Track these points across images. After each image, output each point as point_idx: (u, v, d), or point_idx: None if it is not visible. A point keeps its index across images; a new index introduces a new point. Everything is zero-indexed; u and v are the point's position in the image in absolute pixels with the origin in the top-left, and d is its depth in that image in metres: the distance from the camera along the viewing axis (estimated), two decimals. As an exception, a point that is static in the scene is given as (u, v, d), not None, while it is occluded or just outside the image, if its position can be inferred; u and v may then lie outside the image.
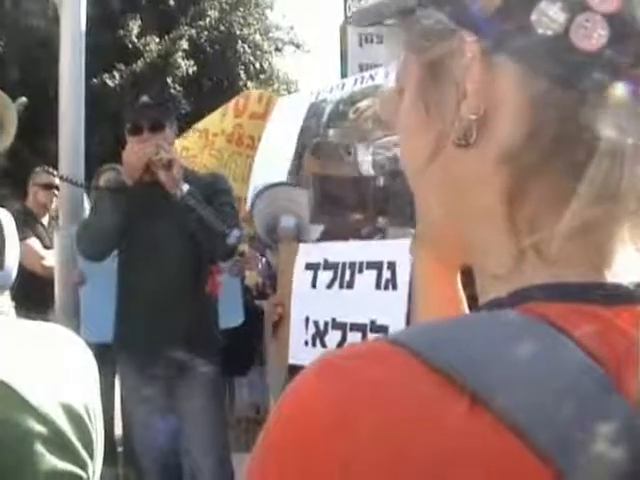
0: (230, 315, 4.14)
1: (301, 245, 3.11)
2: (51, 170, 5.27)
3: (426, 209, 0.73)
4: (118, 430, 4.99)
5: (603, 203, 0.59)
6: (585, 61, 0.59)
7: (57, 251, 4.44)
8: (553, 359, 0.54)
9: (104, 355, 4.16)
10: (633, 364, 0.54)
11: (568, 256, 0.61)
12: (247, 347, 4.10)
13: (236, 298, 4.29)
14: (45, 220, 5.48)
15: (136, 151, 3.63)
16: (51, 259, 4.88)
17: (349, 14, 10.35)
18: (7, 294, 4.38)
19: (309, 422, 0.55)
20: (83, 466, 0.93)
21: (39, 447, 0.86)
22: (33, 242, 5.07)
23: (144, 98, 4.04)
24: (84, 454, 0.93)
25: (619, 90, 0.59)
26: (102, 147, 9.51)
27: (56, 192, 5.34)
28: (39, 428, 0.86)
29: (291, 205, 3.58)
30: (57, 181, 5.32)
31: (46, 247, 5.14)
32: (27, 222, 4.99)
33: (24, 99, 3.25)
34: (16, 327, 0.98)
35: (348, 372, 0.56)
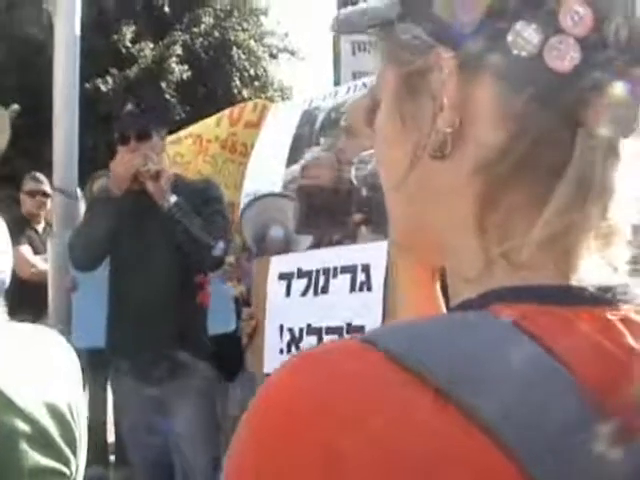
0: (221, 321, 4.15)
1: (273, 257, 3.12)
2: (37, 176, 5.27)
3: (400, 218, 0.74)
4: (111, 436, 5.00)
5: (573, 213, 0.61)
6: (559, 81, 0.61)
7: (50, 258, 4.44)
8: (517, 358, 0.56)
9: (96, 360, 4.19)
10: (592, 362, 0.57)
11: (536, 262, 0.62)
12: (237, 353, 4.10)
13: (227, 305, 4.30)
14: (41, 227, 5.49)
15: (124, 162, 3.65)
16: (41, 265, 4.88)
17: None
18: (0, 300, 4.39)
19: (288, 410, 0.56)
20: (66, 463, 0.96)
21: (23, 445, 0.89)
22: (24, 249, 5.07)
23: (129, 107, 4.01)
24: (67, 451, 0.95)
25: (593, 107, 0.61)
26: (95, 152, 9.52)
27: (44, 199, 5.35)
28: (23, 427, 0.89)
29: (280, 216, 3.59)
30: (45, 187, 5.33)
31: (39, 254, 5.15)
32: (20, 229, 5.00)
33: (16, 106, 3.26)
34: (1, 328, 1.01)
35: (324, 363, 0.58)
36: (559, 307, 0.60)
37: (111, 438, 5.06)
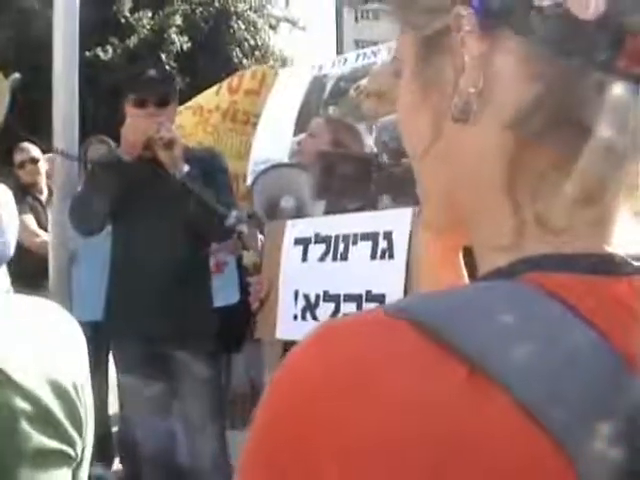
0: (226, 293, 4.10)
1: (288, 222, 3.04)
2: (22, 146, 5.22)
3: (428, 189, 0.72)
4: (112, 410, 4.96)
5: (604, 170, 0.60)
6: (584, 31, 0.58)
7: (51, 227, 4.38)
8: (553, 330, 0.54)
9: (96, 334, 4.13)
10: (632, 333, 0.54)
11: (569, 227, 0.61)
12: (242, 324, 4.06)
13: (232, 277, 4.25)
14: (44, 197, 5.41)
15: (137, 127, 3.55)
16: (46, 236, 4.84)
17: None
18: (4, 268, 4.34)
19: (307, 387, 0.55)
20: (71, 444, 0.90)
21: (25, 425, 0.83)
22: (27, 218, 5.01)
23: (151, 71, 3.91)
24: (72, 432, 0.90)
25: (622, 56, 0.58)
26: (95, 121, 9.45)
27: (33, 165, 5.30)
28: (25, 406, 0.83)
29: (291, 186, 3.52)
30: (33, 153, 5.28)
31: (42, 224, 5.07)
32: (21, 199, 4.93)
33: (17, 75, 3.17)
34: (3, 302, 0.92)
35: (352, 336, 0.56)
36: (594, 276, 0.58)
37: (111, 411, 5.01)
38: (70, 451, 0.89)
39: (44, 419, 0.85)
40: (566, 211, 0.60)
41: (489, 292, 0.59)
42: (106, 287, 3.83)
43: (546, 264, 0.59)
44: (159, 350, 3.71)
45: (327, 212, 3.14)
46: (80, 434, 0.90)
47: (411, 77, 0.69)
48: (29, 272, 4.84)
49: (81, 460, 0.93)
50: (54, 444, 0.86)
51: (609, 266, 0.59)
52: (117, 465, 5.01)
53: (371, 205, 2.69)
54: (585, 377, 0.52)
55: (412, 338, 0.54)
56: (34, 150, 5.25)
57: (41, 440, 0.84)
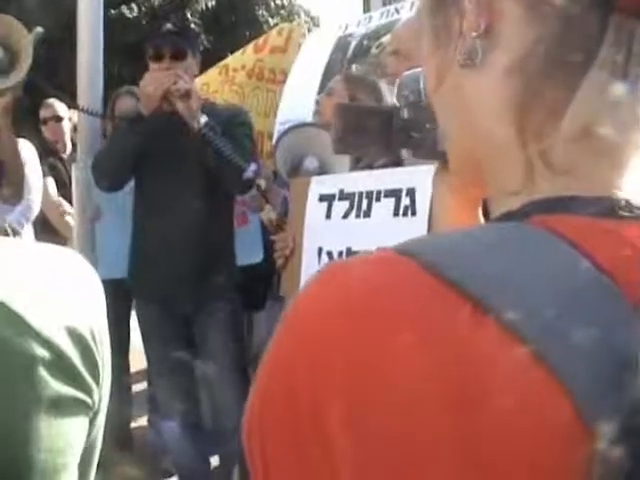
0: (249, 252, 4.10)
1: (314, 178, 3.03)
2: (48, 102, 5.21)
3: (445, 133, 0.73)
4: (133, 368, 4.99)
5: (601, 109, 0.60)
6: None
7: (74, 184, 4.38)
8: (558, 270, 0.54)
9: (119, 291, 4.15)
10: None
11: (577, 167, 0.61)
12: (264, 282, 4.06)
13: (256, 235, 4.24)
14: (67, 153, 5.41)
15: (153, 80, 3.53)
16: (67, 207, 4.86)
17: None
18: (29, 227, 4.36)
19: (318, 322, 0.55)
20: (88, 392, 0.89)
21: (41, 371, 0.82)
22: (48, 182, 5.02)
23: (168, 25, 3.92)
24: (89, 379, 0.89)
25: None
26: (120, 78, 9.44)
27: (57, 124, 5.28)
28: (42, 352, 0.82)
29: (315, 146, 3.49)
30: (58, 111, 5.27)
31: (63, 182, 5.06)
32: (44, 157, 4.93)
33: (40, 29, 3.17)
34: (21, 248, 0.92)
35: (356, 273, 0.56)
36: (603, 219, 0.57)
37: (138, 366, 5.05)
38: (87, 399, 0.88)
39: (61, 366, 0.84)
40: (566, 150, 0.61)
41: (495, 232, 0.60)
42: (129, 244, 3.84)
43: (554, 206, 0.59)
44: (182, 308, 3.73)
45: (351, 170, 3.12)
46: (97, 382, 0.90)
47: (425, 25, 0.70)
48: (53, 228, 4.88)
49: (98, 409, 0.93)
50: (71, 391, 0.85)
51: (619, 210, 0.58)
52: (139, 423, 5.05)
53: (394, 162, 2.68)
54: (593, 320, 0.51)
55: (416, 274, 0.54)
56: (59, 107, 5.23)
57: (58, 387, 0.83)
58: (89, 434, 0.92)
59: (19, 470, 0.81)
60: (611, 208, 0.58)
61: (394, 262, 0.56)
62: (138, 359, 4.62)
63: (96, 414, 0.92)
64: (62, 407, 0.84)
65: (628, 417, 0.48)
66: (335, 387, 0.52)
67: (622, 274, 0.53)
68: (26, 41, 3.13)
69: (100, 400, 0.92)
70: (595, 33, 0.59)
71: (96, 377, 0.89)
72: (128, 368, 4.90)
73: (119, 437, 4.52)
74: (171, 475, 4.11)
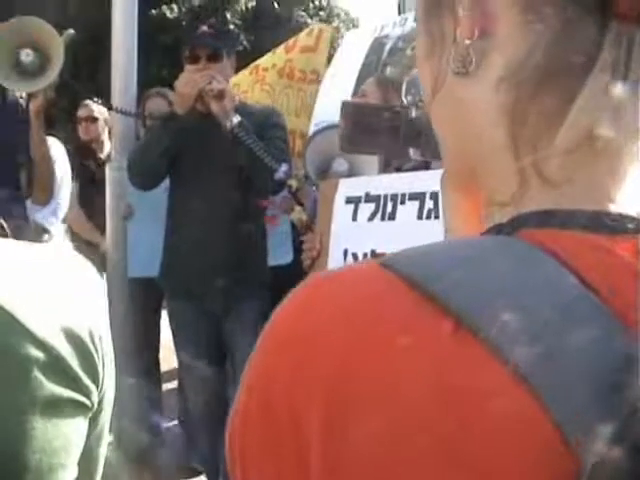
0: (279, 252, 4.10)
1: (341, 180, 3.03)
2: (85, 103, 5.26)
3: (443, 142, 0.71)
4: (163, 366, 5.02)
5: (598, 122, 0.58)
6: None
7: (108, 183, 4.42)
8: (545, 288, 0.52)
9: (150, 289, 4.19)
10: (632, 295, 0.51)
11: (572, 180, 0.59)
12: (294, 283, 4.05)
13: (286, 235, 4.24)
14: (105, 153, 5.44)
15: (188, 80, 3.58)
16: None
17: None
18: (60, 225, 4.40)
19: (292, 332, 0.55)
20: (86, 393, 0.89)
21: (37, 373, 0.83)
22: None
23: (204, 27, 3.96)
24: (87, 381, 0.89)
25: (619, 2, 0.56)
26: (159, 80, 9.50)
27: (91, 125, 5.31)
28: (37, 354, 0.83)
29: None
30: (93, 112, 5.31)
31: (97, 184, 5.09)
32: (74, 162, 4.96)
33: (71, 31, 3.21)
34: (18, 249, 0.93)
35: (337, 284, 0.56)
36: (594, 234, 0.56)
37: (169, 365, 5.08)
38: (85, 400, 0.88)
39: (57, 368, 0.84)
40: (561, 162, 0.59)
41: (481, 245, 0.58)
42: (163, 242, 3.87)
43: (545, 220, 0.58)
44: (213, 307, 3.74)
45: (380, 173, 3.12)
46: (96, 383, 0.90)
47: (422, 30, 0.68)
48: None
49: (99, 410, 0.93)
50: (67, 393, 0.85)
51: (613, 224, 0.57)
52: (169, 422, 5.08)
53: (423, 165, 2.67)
54: (578, 338, 0.50)
55: (394, 287, 0.53)
56: (94, 108, 5.27)
57: (54, 389, 0.84)
58: (90, 433, 0.92)
59: (14, 470, 0.82)
60: (603, 223, 0.57)
61: (376, 275, 0.55)
62: (168, 357, 4.66)
63: (97, 414, 0.93)
64: (58, 408, 0.84)
65: (614, 435, 0.47)
66: (314, 398, 0.52)
67: (612, 292, 0.52)
68: (57, 43, 3.17)
69: (101, 401, 0.93)
70: (593, 40, 0.57)
71: (95, 378, 0.90)
72: (158, 366, 4.93)
73: (149, 435, 4.55)
74: (199, 473, 4.13)
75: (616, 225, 0.57)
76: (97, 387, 0.90)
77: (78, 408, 0.88)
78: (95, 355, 0.89)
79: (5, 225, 1.04)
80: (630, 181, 0.60)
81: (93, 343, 0.89)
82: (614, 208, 0.58)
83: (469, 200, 0.94)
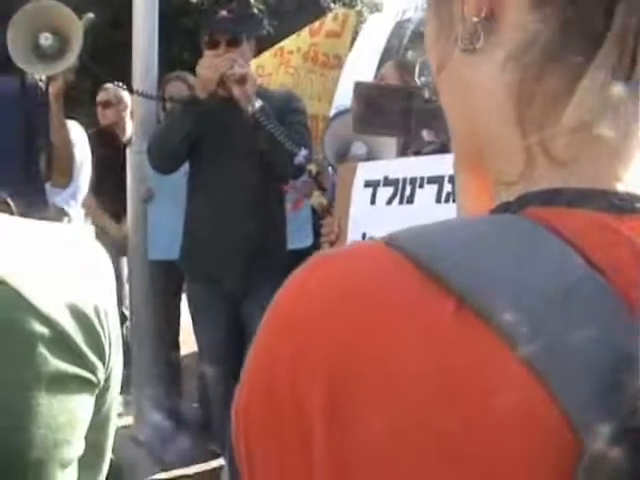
0: (300, 236, 4.11)
1: (360, 163, 3.03)
2: (104, 87, 5.26)
3: (452, 122, 0.71)
4: (183, 349, 5.05)
5: (604, 101, 0.57)
6: None
7: (129, 166, 4.44)
8: (549, 266, 0.52)
9: (170, 272, 4.20)
10: (635, 274, 0.51)
11: (578, 159, 0.59)
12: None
13: (306, 220, 4.25)
14: (127, 137, 5.45)
15: (210, 65, 3.59)
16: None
17: None
18: (79, 208, 4.42)
19: (297, 308, 0.55)
20: (92, 370, 0.89)
21: (42, 349, 0.83)
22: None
23: (223, 12, 3.96)
24: (92, 357, 0.89)
25: None
26: (181, 63, 9.51)
27: (107, 109, 5.31)
28: (41, 329, 0.83)
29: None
30: (109, 96, 5.30)
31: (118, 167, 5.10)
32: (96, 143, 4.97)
33: (91, 15, 3.22)
34: (25, 227, 0.93)
35: (340, 262, 0.56)
36: (600, 213, 0.55)
37: (189, 348, 5.10)
38: (91, 377, 0.89)
39: (62, 344, 0.84)
40: (568, 141, 0.58)
41: (487, 224, 0.58)
42: (183, 225, 3.89)
43: (552, 198, 0.57)
44: (232, 290, 3.76)
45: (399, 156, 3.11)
46: (102, 360, 0.90)
47: (431, 9, 0.68)
48: (110, 207, 4.94)
49: (106, 387, 0.94)
50: (73, 369, 0.86)
51: (620, 204, 0.56)
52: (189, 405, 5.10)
53: (441, 149, 2.66)
54: (583, 320, 0.49)
55: (398, 265, 0.53)
56: (114, 92, 5.26)
57: (59, 365, 0.84)
58: (98, 410, 0.93)
59: (19, 445, 0.82)
60: (611, 202, 0.56)
61: (380, 253, 0.55)
62: (188, 340, 4.68)
63: (104, 391, 0.93)
64: (63, 384, 0.85)
65: (625, 419, 0.46)
66: (317, 380, 0.51)
67: (617, 272, 0.51)
68: (76, 27, 3.18)
69: (108, 378, 0.93)
70: (600, 21, 0.57)
71: (101, 355, 0.90)
72: (178, 349, 4.95)
73: (168, 417, 4.58)
74: (218, 456, 4.15)
75: (624, 204, 0.56)
76: (103, 364, 0.91)
77: (84, 384, 0.88)
78: (101, 332, 0.90)
79: (12, 203, 1.05)
80: (637, 161, 0.59)
81: (99, 320, 0.90)
82: (621, 187, 0.58)
83: (478, 180, 0.94)
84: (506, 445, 0.47)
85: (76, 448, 0.89)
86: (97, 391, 0.91)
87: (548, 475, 0.47)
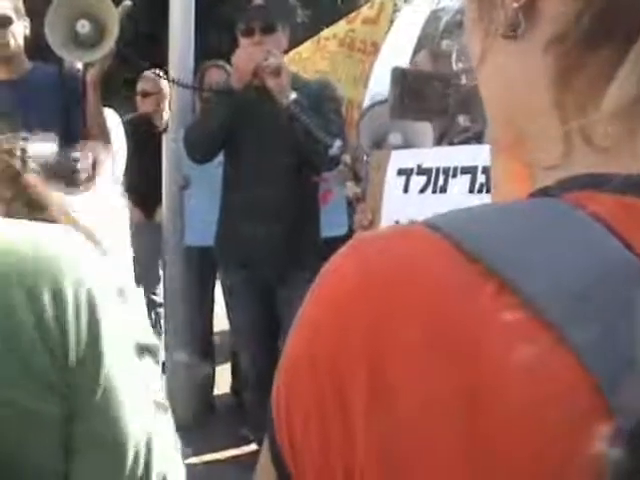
0: (334, 225, 4.11)
1: (393, 151, 3.02)
2: (143, 75, 5.28)
3: (489, 105, 0.71)
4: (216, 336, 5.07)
5: None
6: None
7: (165, 155, 4.47)
8: (589, 250, 0.52)
9: (205, 259, 4.23)
10: None
11: (617, 144, 0.58)
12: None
13: (341, 207, 4.25)
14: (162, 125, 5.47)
15: (245, 55, 3.61)
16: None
17: None
18: (119, 190, 4.48)
19: (337, 289, 0.56)
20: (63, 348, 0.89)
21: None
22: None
23: (258, 1, 3.99)
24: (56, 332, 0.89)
25: None
26: (220, 49, 9.53)
27: (143, 98, 5.32)
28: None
29: (399, 123, 3.47)
30: (146, 86, 5.32)
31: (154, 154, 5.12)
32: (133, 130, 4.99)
33: (128, 3, 3.24)
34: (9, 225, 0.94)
35: (381, 244, 0.56)
36: (638, 198, 0.54)
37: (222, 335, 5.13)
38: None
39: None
40: (607, 127, 0.58)
41: (526, 208, 0.58)
42: (217, 214, 3.91)
43: (591, 183, 0.57)
44: (266, 277, 3.79)
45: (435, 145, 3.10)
46: (63, 333, 0.90)
47: (470, 1, 0.68)
48: (146, 195, 4.97)
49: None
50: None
51: None
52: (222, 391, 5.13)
53: (475, 138, 2.65)
54: (620, 301, 0.49)
55: (440, 248, 0.53)
56: (151, 81, 5.28)
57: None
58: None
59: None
60: None
61: (420, 235, 0.55)
62: (220, 325, 4.71)
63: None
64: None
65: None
66: (356, 357, 0.52)
67: None
68: (113, 15, 3.20)
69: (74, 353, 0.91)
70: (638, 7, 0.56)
71: (62, 329, 0.90)
72: (212, 335, 4.99)
73: (201, 403, 4.62)
74: (250, 442, 4.17)
75: None
76: (64, 337, 0.90)
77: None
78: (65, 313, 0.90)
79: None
80: None
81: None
82: None
83: (516, 164, 0.93)
84: (538, 428, 0.48)
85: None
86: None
87: (585, 452, 0.47)
